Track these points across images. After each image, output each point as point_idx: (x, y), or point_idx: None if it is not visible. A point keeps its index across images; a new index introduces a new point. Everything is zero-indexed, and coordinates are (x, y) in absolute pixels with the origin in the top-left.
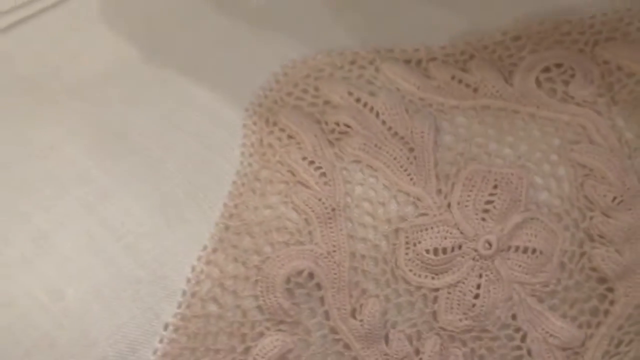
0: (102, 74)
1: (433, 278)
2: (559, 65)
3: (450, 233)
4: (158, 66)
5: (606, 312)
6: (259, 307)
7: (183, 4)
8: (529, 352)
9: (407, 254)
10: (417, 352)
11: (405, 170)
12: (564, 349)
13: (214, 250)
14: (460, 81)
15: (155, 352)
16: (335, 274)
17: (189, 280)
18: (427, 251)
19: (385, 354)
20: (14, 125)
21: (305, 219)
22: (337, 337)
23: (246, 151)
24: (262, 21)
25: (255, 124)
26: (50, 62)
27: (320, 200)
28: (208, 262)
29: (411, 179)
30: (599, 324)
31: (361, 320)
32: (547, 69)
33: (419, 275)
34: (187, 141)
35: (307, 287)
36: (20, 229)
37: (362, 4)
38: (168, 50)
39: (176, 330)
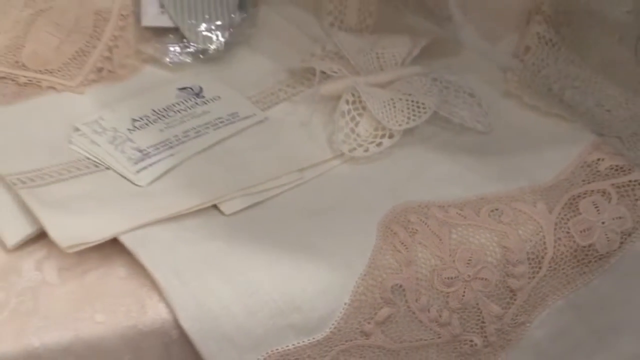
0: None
1: (447, 287)
2: (497, 209)
3: (454, 271)
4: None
5: (512, 303)
6: (381, 297)
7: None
8: (483, 317)
9: (437, 279)
10: (440, 316)
11: (439, 249)
12: (496, 316)
13: (364, 275)
14: (460, 215)
15: (341, 311)
16: (410, 285)
17: (354, 286)
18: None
19: (428, 317)
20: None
21: (399, 265)
22: (410, 309)
23: (377, 238)
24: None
25: (379, 230)
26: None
27: (407, 259)
28: (362, 279)
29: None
30: (510, 307)
31: (419, 303)
32: (492, 210)
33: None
34: (357, 236)
35: (399, 290)
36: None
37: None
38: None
39: (351, 302)
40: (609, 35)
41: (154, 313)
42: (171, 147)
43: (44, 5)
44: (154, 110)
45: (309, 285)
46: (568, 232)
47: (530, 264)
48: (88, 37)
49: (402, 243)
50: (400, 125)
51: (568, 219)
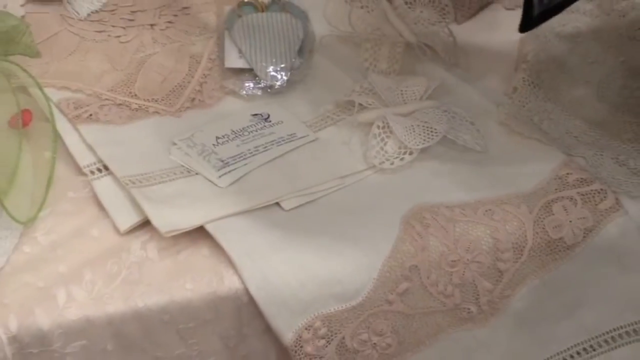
0: None
1: (451, 268)
2: (490, 209)
3: (457, 256)
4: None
5: (500, 281)
6: (401, 274)
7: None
8: (478, 291)
9: (444, 262)
10: (445, 289)
11: (446, 239)
12: (488, 291)
13: (389, 258)
14: (462, 213)
15: (371, 284)
16: (424, 266)
17: (381, 265)
18: (449, 261)
19: (437, 290)
20: None
21: (416, 250)
22: (423, 284)
23: (399, 230)
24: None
25: (401, 223)
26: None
27: (422, 246)
28: (387, 261)
29: None
30: (498, 284)
31: (430, 280)
32: (486, 210)
33: (447, 267)
34: (384, 228)
35: (415, 269)
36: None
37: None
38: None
39: (378, 278)
40: (577, 80)
41: (230, 283)
42: (245, 159)
43: (152, 50)
44: (233, 131)
45: (347, 264)
46: (543, 228)
47: (514, 251)
48: (184, 75)
49: (418, 234)
50: (418, 145)
51: (544, 218)
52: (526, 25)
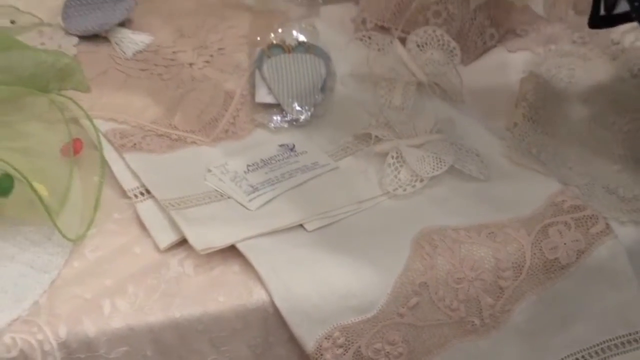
0: None
1: (457, 285)
2: (493, 232)
3: (462, 274)
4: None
5: (501, 297)
6: (412, 290)
7: None
8: (481, 306)
9: (450, 279)
10: (452, 304)
11: (452, 258)
12: (490, 306)
13: (401, 275)
14: (467, 235)
15: (385, 298)
16: (432, 283)
17: (394, 281)
18: (455, 278)
19: (444, 304)
20: None
21: (425, 268)
22: (432, 299)
23: (410, 250)
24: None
25: (412, 244)
26: None
27: (430, 265)
28: (399, 277)
29: None
30: (499, 299)
31: (438, 295)
32: (489, 233)
33: (453, 284)
34: (396, 248)
35: (424, 286)
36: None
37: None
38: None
39: (391, 292)
40: (571, 116)
41: (258, 296)
42: (273, 184)
43: (190, 87)
44: (262, 159)
45: (363, 280)
46: (540, 250)
47: (514, 270)
48: (219, 109)
49: (427, 254)
50: (429, 173)
51: (541, 240)
52: (593, 23)
